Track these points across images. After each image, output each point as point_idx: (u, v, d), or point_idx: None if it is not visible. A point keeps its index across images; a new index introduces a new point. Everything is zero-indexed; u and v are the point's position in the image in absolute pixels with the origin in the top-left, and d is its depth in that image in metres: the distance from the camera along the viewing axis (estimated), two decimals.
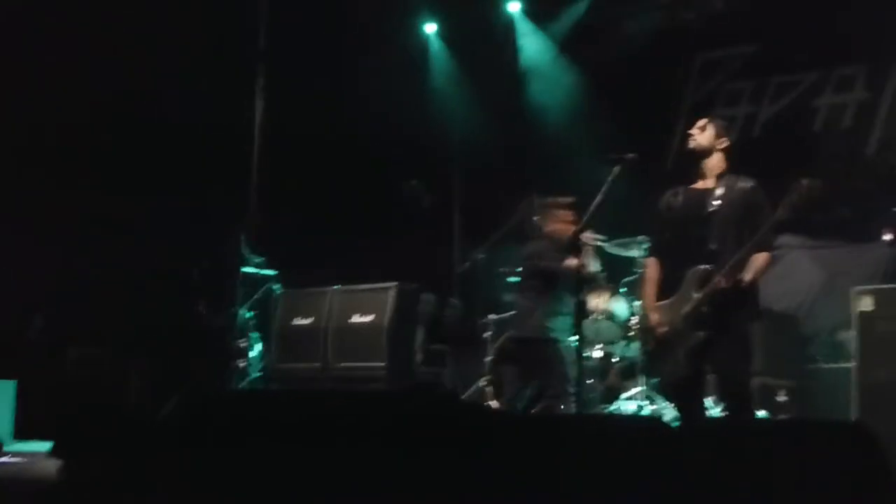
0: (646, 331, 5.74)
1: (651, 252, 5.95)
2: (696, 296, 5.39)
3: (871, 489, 3.56)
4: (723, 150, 5.65)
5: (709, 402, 6.21)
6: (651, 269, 5.80)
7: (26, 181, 9.10)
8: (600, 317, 7.65)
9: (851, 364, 6.83)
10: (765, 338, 7.64)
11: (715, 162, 5.63)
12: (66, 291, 9.11)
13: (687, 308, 5.41)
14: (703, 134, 5.65)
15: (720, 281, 5.30)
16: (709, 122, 5.69)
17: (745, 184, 5.54)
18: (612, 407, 7.33)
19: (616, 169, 5.80)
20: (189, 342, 8.55)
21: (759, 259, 5.37)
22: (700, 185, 5.67)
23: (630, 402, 7.31)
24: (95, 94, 9.44)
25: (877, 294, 6.70)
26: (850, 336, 6.94)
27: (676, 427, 4.80)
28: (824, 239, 8.81)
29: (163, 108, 9.73)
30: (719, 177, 5.61)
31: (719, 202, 5.52)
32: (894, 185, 8.59)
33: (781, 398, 7.37)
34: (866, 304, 6.68)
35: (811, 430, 4.30)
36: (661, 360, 5.67)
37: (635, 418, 6.74)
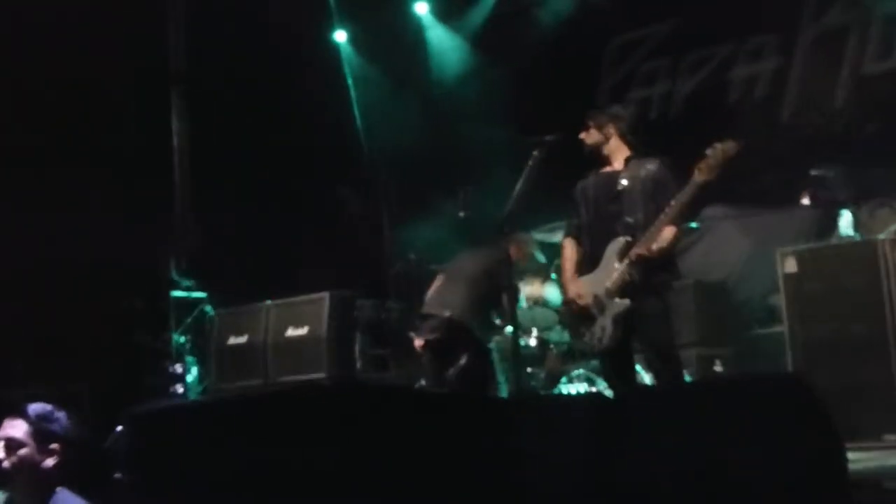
0: (567, 304, 5.85)
1: (567, 233, 6.03)
2: (618, 266, 5.50)
3: (810, 435, 3.61)
4: (616, 136, 5.85)
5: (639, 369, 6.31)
6: (568, 249, 5.97)
7: None
8: (534, 304, 7.68)
9: (783, 327, 6.93)
10: (697, 309, 7.81)
11: (614, 147, 5.86)
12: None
13: (610, 279, 5.52)
14: (588, 135, 5.88)
15: (641, 249, 5.43)
16: (590, 123, 5.86)
17: (651, 164, 5.72)
18: (555, 391, 7.35)
19: (536, 153, 5.88)
20: (127, 369, 8.47)
21: (668, 232, 5.48)
22: (608, 168, 5.87)
23: (571, 386, 7.35)
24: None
25: (799, 254, 6.79)
26: (780, 299, 7.04)
27: (615, 397, 4.87)
28: (748, 207, 8.92)
29: (86, 131, 9.60)
30: (626, 160, 5.82)
31: (626, 181, 5.71)
32: (811, 149, 8.72)
33: (718, 367, 7.45)
34: (790, 265, 6.76)
35: (745, 385, 4.36)
36: (584, 331, 5.75)
37: (575, 396, 6.84)
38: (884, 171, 7.87)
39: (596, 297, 5.65)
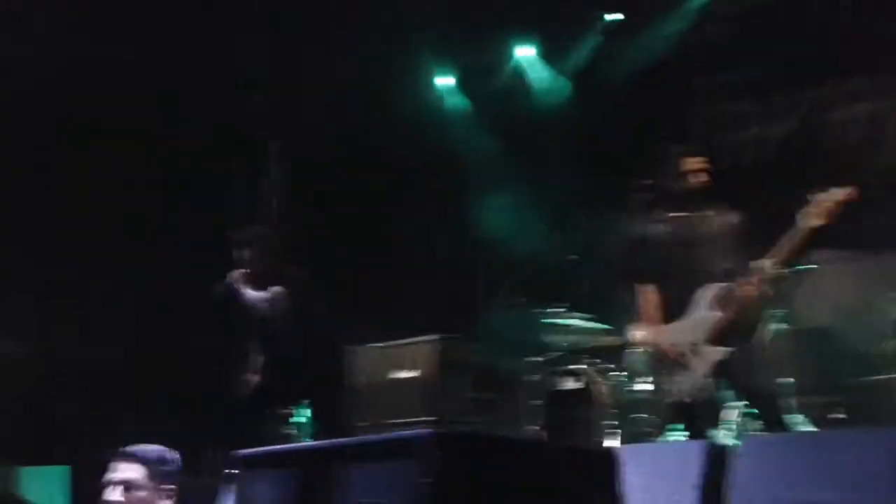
0: (659, 353, 5.81)
1: (645, 279, 5.96)
2: (714, 312, 5.47)
3: None
4: (709, 180, 5.92)
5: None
6: (650, 294, 5.91)
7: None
8: (646, 348, 7.69)
9: None
10: (803, 354, 7.75)
11: (704, 191, 5.89)
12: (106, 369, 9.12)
13: (706, 326, 5.48)
14: (700, 172, 5.84)
15: (744, 293, 5.41)
16: (702, 160, 5.85)
17: (734, 215, 5.85)
18: (669, 437, 7.33)
19: (635, 198, 5.92)
20: (236, 410, 8.55)
21: (773, 275, 5.47)
22: (682, 212, 5.92)
23: (680, 434, 7.33)
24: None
25: None
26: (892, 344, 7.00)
27: (731, 446, 4.89)
28: (854, 250, 8.87)
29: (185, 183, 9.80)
30: (707, 207, 5.88)
31: (711, 228, 5.80)
32: None
33: (835, 415, 7.40)
34: None
35: (857, 436, 4.38)
36: (677, 380, 5.72)
37: (688, 443, 6.80)
38: None
39: (691, 345, 5.60)
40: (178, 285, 9.25)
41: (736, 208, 5.82)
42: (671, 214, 5.90)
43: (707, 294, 5.62)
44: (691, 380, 5.66)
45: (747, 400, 5.82)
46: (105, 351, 9.22)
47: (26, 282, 9.04)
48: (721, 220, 5.77)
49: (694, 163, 5.96)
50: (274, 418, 8.46)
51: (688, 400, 5.77)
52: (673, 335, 5.70)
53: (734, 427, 6.90)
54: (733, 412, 6.95)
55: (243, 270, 6.92)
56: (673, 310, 5.86)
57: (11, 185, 8.72)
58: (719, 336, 5.55)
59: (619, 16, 10.56)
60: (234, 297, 6.90)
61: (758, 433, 6.23)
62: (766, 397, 5.70)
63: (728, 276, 5.63)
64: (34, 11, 8.55)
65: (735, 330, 5.55)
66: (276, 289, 6.68)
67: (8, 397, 8.68)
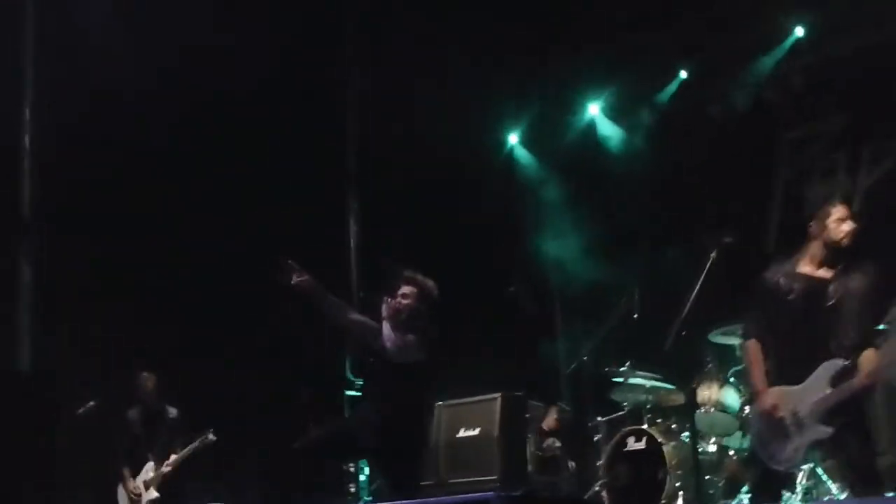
0: (762, 414, 5.54)
1: (751, 335, 5.73)
2: (829, 390, 5.26)
3: None
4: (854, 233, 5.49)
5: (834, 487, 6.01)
6: (755, 352, 5.63)
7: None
8: (712, 408, 7.48)
9: None
10: (890, 415, 7.38)
11: (836, 248, 5.48)
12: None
13: (817, 400, 5.26)
14: (844, 223, 5.45)
15: (861, 386, 5.20)
16: (844, 209, 5.50)
17: (861, 275, 5.38)
18: (735, 501, 7.09)
19: (713, 254, 5.75)
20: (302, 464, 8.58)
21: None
22: (810, 269, 5.52)
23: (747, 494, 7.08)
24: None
25: None
26: None
27: None
28: None
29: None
30: (838, 264, 5.46)
31: (838, 294, 5.38)
32: None
33: None
34: None
35: None
36: (771, 444, 5.49)
37: None
38: None
39: (795, 415, 5.36)
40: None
41: (867, 270, 5.47)
42: (803, 272, 5.59)
43: (828, 369, 5.35)
44: (786, 449, 5.41)
45: (843, 467, 5.55)
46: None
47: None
48: (855, 282, 5.42)
49: (841, 211, 5.47)
50: (337, 474, 8.49)
51: (775, 467, 5.51)
52: (778, 398, 5.45)
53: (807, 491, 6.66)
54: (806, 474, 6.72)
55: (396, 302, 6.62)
56: (782, 372, 5.59)
57: None
58: (828, 415, 5.31)
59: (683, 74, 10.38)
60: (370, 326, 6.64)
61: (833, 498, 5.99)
62: (867, 467, 5.42)
63: (845, 352, 5.35)
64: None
65: (843, 411, 5.31)
66: (412, 337, 6.53)
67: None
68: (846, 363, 5.28)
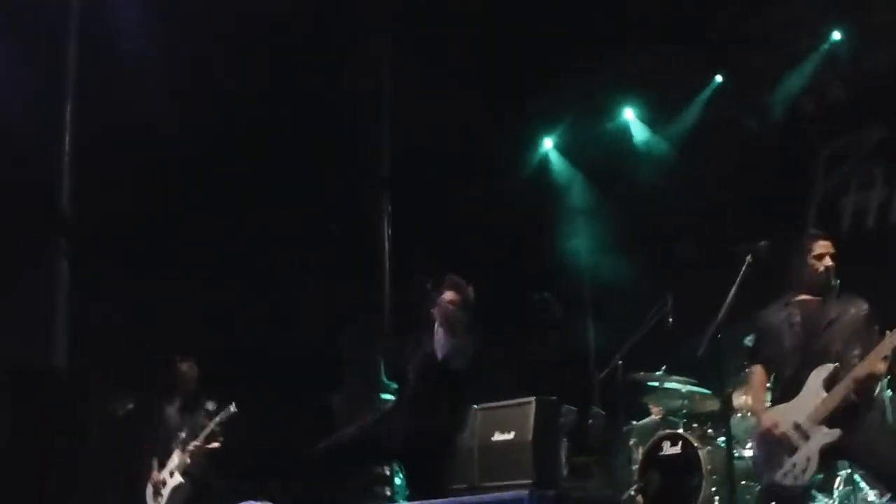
0: (762, 435, 5.58)
1: (757, 360, 5.80)
2: (825, 394, 5.32)
3: None
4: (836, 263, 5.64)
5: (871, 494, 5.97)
6: (760, 376, 5.75)
7: None
8: (748, 414, 7.43)
9: None
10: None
11: (831, 275, 5.62)
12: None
13: (815, 407, 5.31)
14: (824, 259, 5.61)
15: (870, 372, 5.19)
16: (829, 244, 5.66)
17: (861, 305, 5.53)
18: None
19: (749, 258, 5.76)
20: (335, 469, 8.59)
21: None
22: (809, 297, 5.64)
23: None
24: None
25: None
26: None
27: None
28: None
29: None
30: (832, 292, 5.60)
31: (838, 316, 5.51)
32: None
33: None
34: None
35: None
36: (780, 459, 5.49)
37: None
38: None
39: (798, 427, 5.39)
40: None
41: (863, 296, 5.57)
42: (799, 299, 5.69)
43: (819, 375, 5.39)
44: (797, 460, 5.39)
45: (875, 476, 5.63)
46: None
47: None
48: (849, 308, 5.53)
49: (822, 246, 5.77)
50: (367, 476, 8.47)
51: (789, 483, 5.49)
52: (777, 416, 5.48)
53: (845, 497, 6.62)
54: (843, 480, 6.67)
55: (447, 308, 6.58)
56: (783, 391, 5.65)
57: None
58: (829, 418, 5.31)
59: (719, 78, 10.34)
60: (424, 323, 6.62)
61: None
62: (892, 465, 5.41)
63: (838, 357, 5.41)
64: None
65: (849, 409, 5.31)
66: (468, 342, 6.48)
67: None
68: (836, 365, 5.36)
